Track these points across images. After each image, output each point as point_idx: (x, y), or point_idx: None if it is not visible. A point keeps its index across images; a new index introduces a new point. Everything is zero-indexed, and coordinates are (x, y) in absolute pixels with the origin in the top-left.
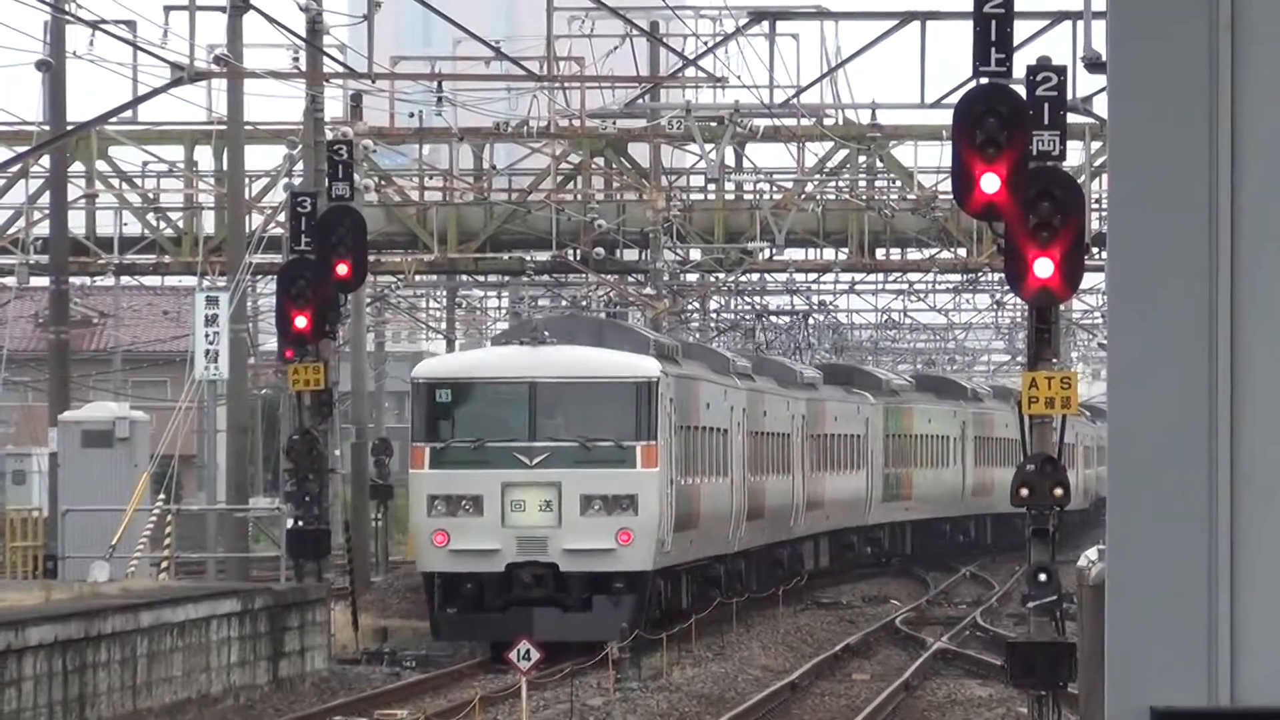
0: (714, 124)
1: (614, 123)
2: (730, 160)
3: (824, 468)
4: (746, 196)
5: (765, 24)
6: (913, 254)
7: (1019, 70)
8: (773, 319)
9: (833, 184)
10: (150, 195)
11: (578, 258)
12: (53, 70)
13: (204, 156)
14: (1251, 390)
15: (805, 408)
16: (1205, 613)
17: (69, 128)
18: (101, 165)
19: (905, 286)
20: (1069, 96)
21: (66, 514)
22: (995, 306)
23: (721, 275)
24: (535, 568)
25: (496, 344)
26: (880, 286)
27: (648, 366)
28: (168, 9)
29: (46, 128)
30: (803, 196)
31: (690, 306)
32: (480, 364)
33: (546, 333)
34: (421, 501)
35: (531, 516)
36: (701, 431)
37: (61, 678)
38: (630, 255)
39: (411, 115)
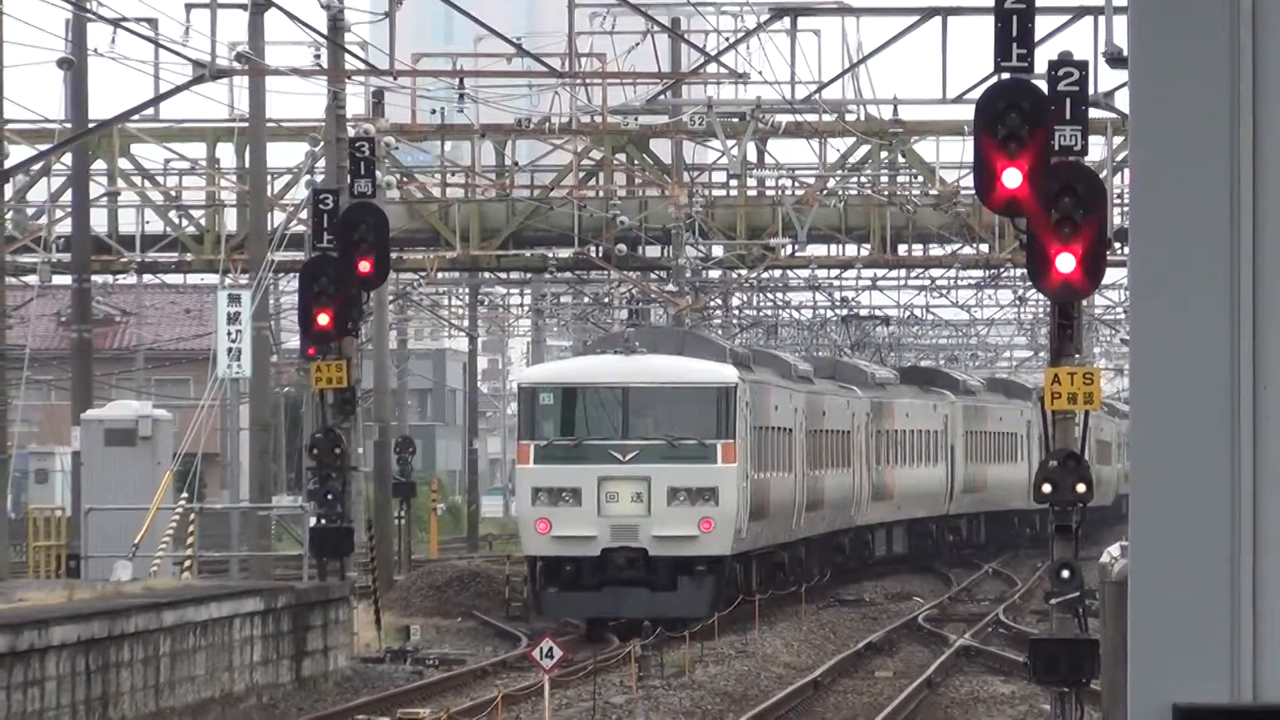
0: (736, 120)
1: (636, 119)
2: (752, 156)
3: (893, 461)
4: (768, 192)
5: (787, 20)
6: (935, 249)
7: (1040, 65)
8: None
9: (855, 180)
10: (172, 193)
11: (600, 254)
12: (74, 68)
13: (226, 154)
14: (1275, 386)
15: (870, 406)
16: (1228, 609)
17: (91, 125)
18: (123, 163)
19: (927, 282)
20: (1090, 91)
21: (89, 513)
22: (1017, 302)
23: (744, 272)
24: (627, 552)
25: (591, 353)
26: (902, 282)
27: (727, 374)
28: (189, 6)
29: (68, 125)
30: (825, 192)
31: (713, 303)
32: (579, 371)
33: (637, 343)
34: (526, 493)
35: (624, 506)
36: (771, 431)
37: (85, 677)
38: (652, 252)
39: (433, 112)
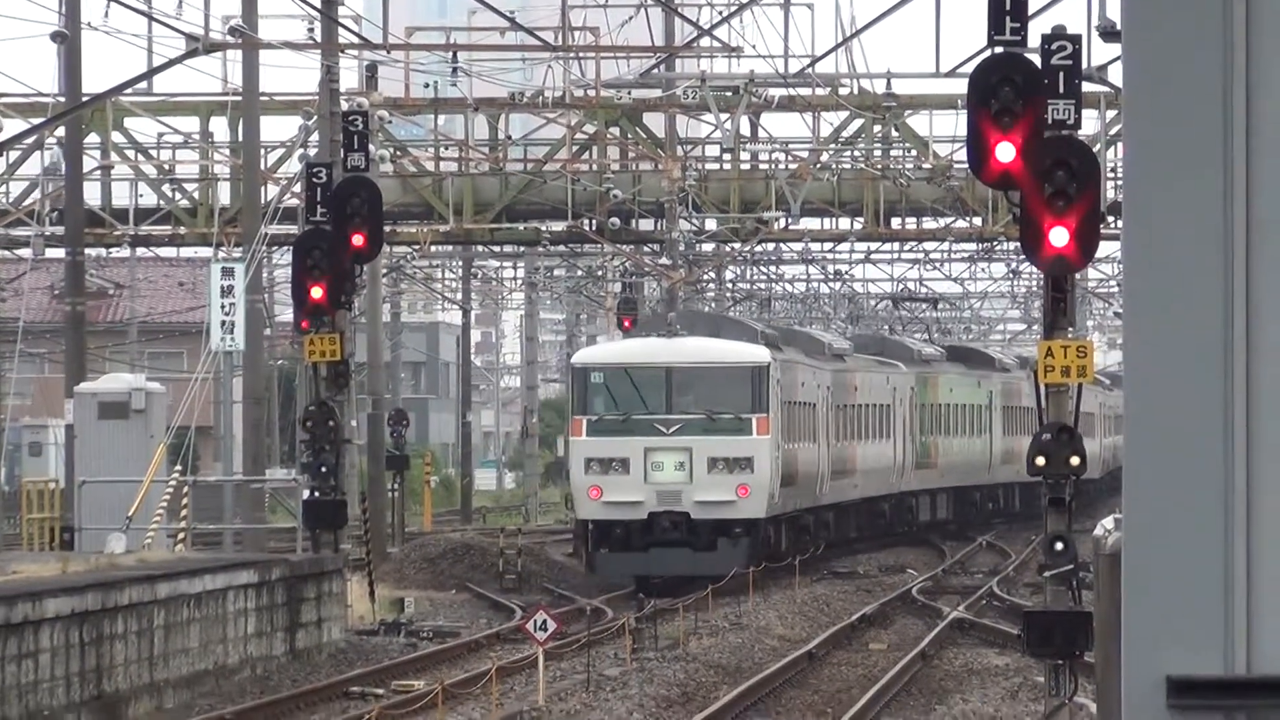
0: (729, 94)
1: (629, 93)
2: (745, 130)
3: (935, 432)
4: (762, 166)
5: None
6: (928, 223)
7: (1034, 39)
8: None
9: (848, 153)
10: (165, 166)
11: (593, 228)
12: (68, 42)
13: (219, 127)
14: (1268, 358)
15: (914, 380)
16: (1222, 582)
17: (84, 99)
18: (117, 137)
19: (921, 256)
20: (1084, 65)
21: (83, 485)
22: (1011, 275)
23: (737, 245)
24: (671, 516)
25: (637, 336)
26: (896, 256)
27: (760, 354)
28: None
29: (62, 99)
30: (818, 166)
31: (706, 277)
32: (626, 352)
33: (679, 326)
34: (580, 463)
35: (668, 474)
36: (798, 406)
37: (78, 649)
38: (646, 225)
39: (426, 86)
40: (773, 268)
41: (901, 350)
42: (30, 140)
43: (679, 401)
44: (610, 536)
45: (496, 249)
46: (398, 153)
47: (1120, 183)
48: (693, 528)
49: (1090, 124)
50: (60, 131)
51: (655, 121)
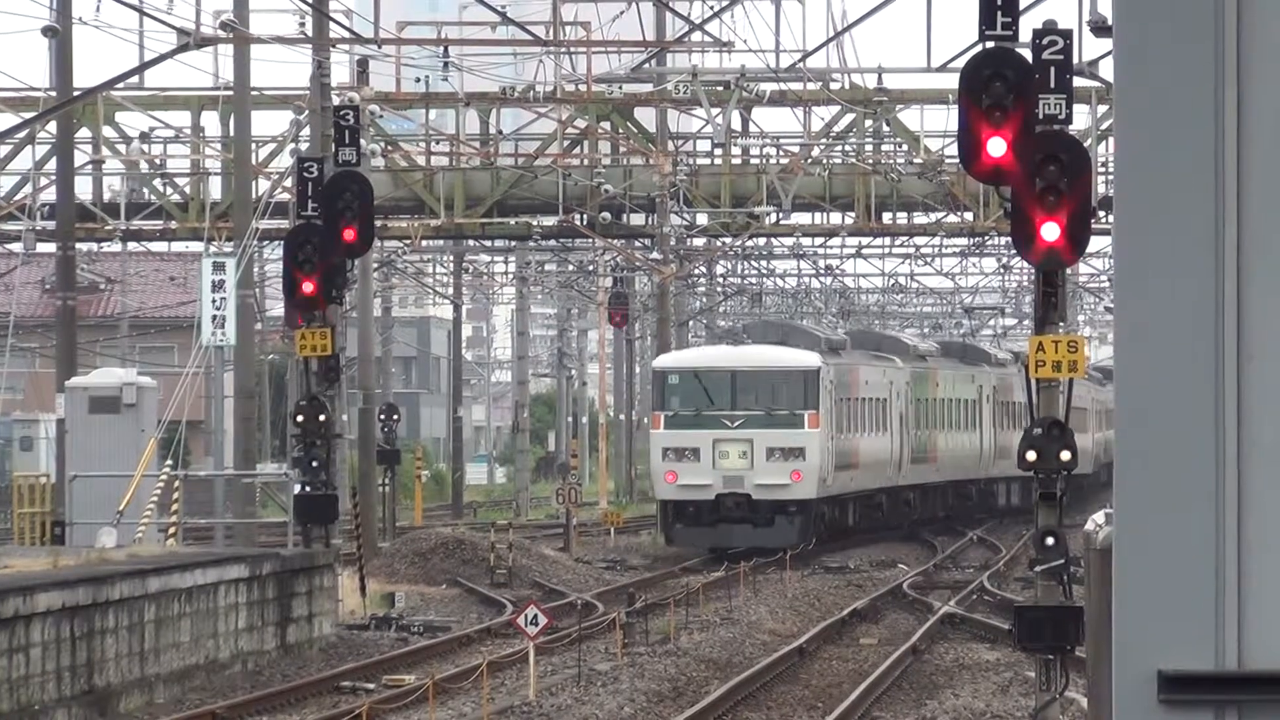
0: (720, 88)
1: (620, 87)
2: (736, 125)
3: (1017, 426)
4: (753, 161)
5: None
6: (919, 218)
7: (1025, 34)
8: (777, 282)
9: (839, 148)
10: (157, 161)
11: (584, 222)
12: (59, 36)
13: (210, 122)
14: (1259, 353)
15: (997, 379)
16: (1212, 576)
17: (76, 94)
18: (108, 131)
19: (912, 251)
20: (1075, 60)
21: (74, 480)
22: (1002, 270)
23: (728, 240)
24: (735, 496)
25: (710, 344)
26: (887, 251)
27: (812, 359)
28: None
29: (53, 94)
30: (809, 161)
31: (697, 271)
32: (699, 358)
33: (746, 336)
34: (658, 451)
35: (733, 462)
36: (860, 401)
37: (70, 644)
38: (637, 220)
39: (418, 80)
40: (764, 263)
41: (979, 354)
42: (22, 134)
43: (742, 400)
44: (684, 514)
45: (487, 243)
46: (389, 147)
47: (1111, 177)
48: (754, 507)
49: (1081, 119)
50: (51, 126)
51: (646, 116)
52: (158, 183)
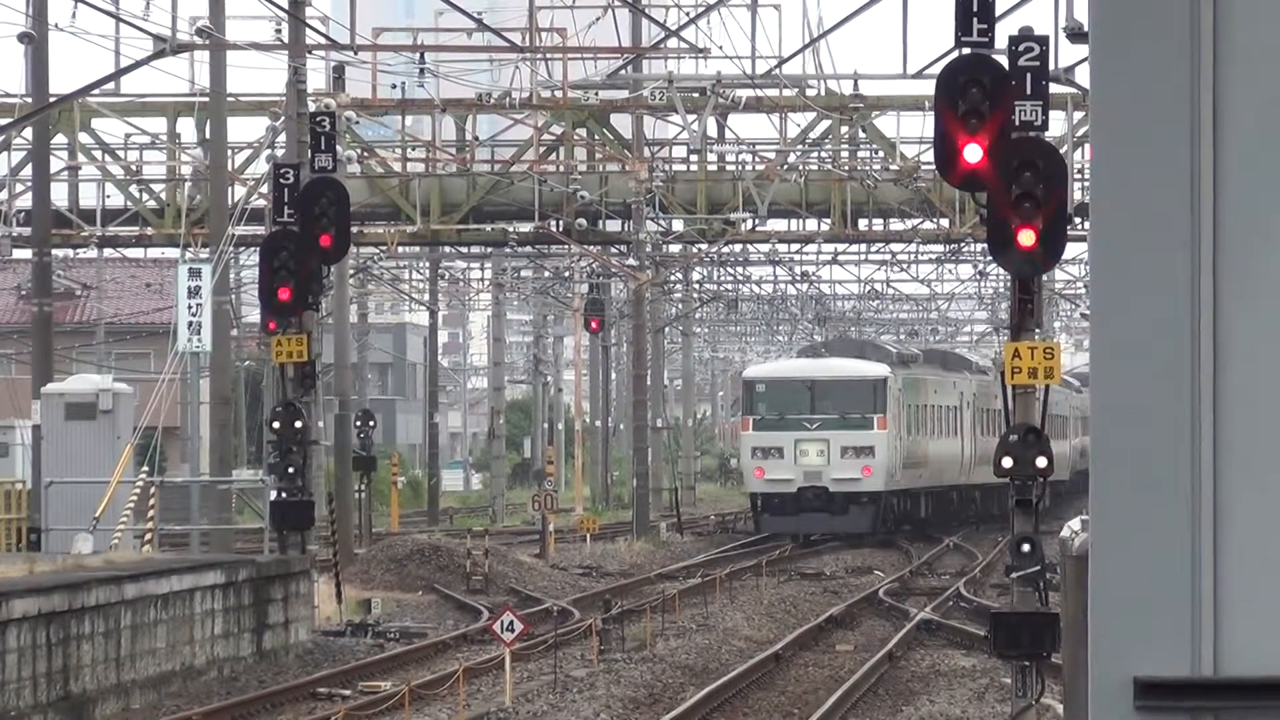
0: (696, 95)
1: (596, 94)
2: (712, 131)
3: (1083, 434)
4: (729, 167)
5: None
6: (895, 224)
7: (1001, 40)
8: (753, 288)
9: (815, 155)
10: (133, 167)
11: (560, 229)
12: (35, 42)
13: (186, 128)
14: (1233, 361)
15: (1075, 397)
16: (1188, 583)
17: (51, 100)
18: (84, 137)
19: (888, 257)
20: (1051, 67)
21: (50, 486)
22: (978, 276)
23: (704, 246)
24: (814, 489)
25: (796, 357)
26: (863, 257)
27: (881, 370)
28: None
29: (29, 100)
30: (785, 167)
31: (673, 277)
32: (782, 369)
33: (824, 350)
34: (748, 450)
35: (812, 459)
36: (929, 409)
37: (45, 650)
38: (613, 226)
39: (394, 87)
40: (740, 269)
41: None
42: None
43: (820, 405)
44: (771, 505)
45: (463, 250)
46: (365, 153)
47: (1087, 184)
48: (830, 498)
49: (1057, 125)
50: (27, 132)
51: (622, 122)
52: (133, 189)
